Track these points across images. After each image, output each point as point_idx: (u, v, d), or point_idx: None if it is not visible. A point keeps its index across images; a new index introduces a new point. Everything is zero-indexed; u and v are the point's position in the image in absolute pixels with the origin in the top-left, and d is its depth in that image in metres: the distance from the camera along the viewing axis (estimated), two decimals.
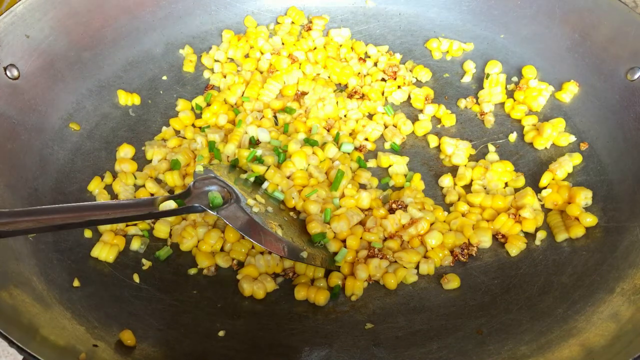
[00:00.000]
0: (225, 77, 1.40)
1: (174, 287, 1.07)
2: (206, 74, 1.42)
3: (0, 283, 0.95)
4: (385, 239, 1.12)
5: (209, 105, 1.34)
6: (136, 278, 1.08)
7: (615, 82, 1.23)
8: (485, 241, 1.11)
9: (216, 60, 1.43)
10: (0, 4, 1.54)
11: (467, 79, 1.40)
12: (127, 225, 1.14)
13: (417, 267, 1.09)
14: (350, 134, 1.30)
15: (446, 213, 1.17)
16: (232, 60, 1.43)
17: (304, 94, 1.36)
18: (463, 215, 1.16)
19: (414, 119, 1.33)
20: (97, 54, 1.34)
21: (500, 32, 1.44)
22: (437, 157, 1.28)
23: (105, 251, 1.09)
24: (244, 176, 1.15)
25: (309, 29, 1.46)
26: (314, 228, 1.08)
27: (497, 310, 1.04)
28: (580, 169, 1.21)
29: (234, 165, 1.19)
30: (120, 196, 1.18)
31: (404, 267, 1.08)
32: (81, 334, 0.96)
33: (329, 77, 1.40)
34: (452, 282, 1.07)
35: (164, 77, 1.40)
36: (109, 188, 1.20)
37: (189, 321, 1.03)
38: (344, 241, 1.11)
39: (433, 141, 1.29)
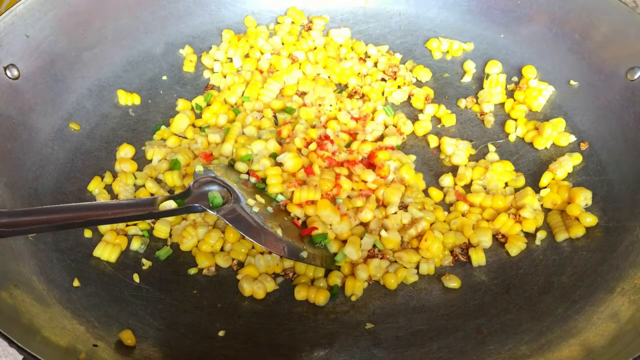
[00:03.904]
0: (225, 77, 1.40)
1: (174, 287, 1.07)
2: (206, 74, 1.42)
3: (0, 283, 0.95)
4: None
5: (209, 105, 1.34)
6: (136, 278, 1.08)
7: (615, 81, 1.23)
8: (485, 241, 1.11)
9: (216, 60, 1.43)
10: (0, 4, 1.54)
11: (467, 79, 1.40)
12: (127, 225, 1.14)
13: (417, 267, 1.09)
14: (350, 133, 1.30)
15: (446, 213, 1.17)
16: (232, 60, 1.43)
17: (304, 94, 1.36)
18: (463, 215, 1.16)
19: (414, 119, 1.33)
20: (97, 54, 1.34)
21: (500, 32, 1.44)
22: (437, 157, 1.28)
23: (107, 251, 1.09)
24: (244, 176, 1.15)
25: (309, 29, 1.46)
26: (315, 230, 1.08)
27: (497, 310, 1.04)
28: (580, 169, 1.21)
29: (234, 165, 1.19)
30: (120, 196, 1.18)
31: (404, 267, 1.08)
32: (81, 334, 0.96)
33: (329, 77, 1.40)
34: (452, 282, 1.07)
35: (164, 77, 1.40)
36: (109, 188, 1.20)
37: (189, 321, 1.03)
38: (344, 242, 1.11)
39: (433, 141, 1.29)
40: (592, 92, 1.28)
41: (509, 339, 0.99)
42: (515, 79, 1.39)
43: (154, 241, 1.14)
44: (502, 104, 1.35)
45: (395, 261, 1.09)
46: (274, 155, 1.18)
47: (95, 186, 1.19)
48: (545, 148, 1.26)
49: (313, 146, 1.19)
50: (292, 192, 1.11)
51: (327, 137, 1.22)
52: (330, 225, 1.10)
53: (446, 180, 1.21)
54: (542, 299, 1.04)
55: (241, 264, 1.10)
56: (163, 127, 1.30)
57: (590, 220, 1.11)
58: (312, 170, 1.15)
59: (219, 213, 1.03)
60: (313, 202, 1.10)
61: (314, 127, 1.25)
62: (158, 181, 1.22)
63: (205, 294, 1.07)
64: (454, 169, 1.25)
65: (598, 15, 1.27)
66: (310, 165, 1.16)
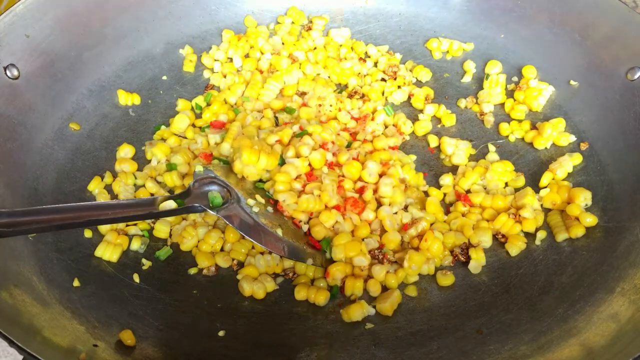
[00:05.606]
0: (225, 77, 1.40)
1: (174, 287, 1.07)
2: (206, 74, 1.42)
3: (0, 283, 0.95)
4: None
5: (209, 105, 1.34)
6: (136, 278, 1.08)
7: (615, 82, 1.23)
8: (485, 241, 1.11)
9: (216, 60, 1.43)
10: (0, 3, 1.54)
11: (467, 78, 1.40)
12: (127, 225, 1.14)
13: None
14: (350, 133, 1.30)
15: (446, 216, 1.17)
16: (232, 60, 1.43)
17: (304, 94, 1.36)
18: (463, 215, 1.16)
19: (414, 119, 1.33)
20: (97, 54, 1.34)
21: (500, 32, 1.44)
22: (437, 157, 1.28)
23: (109, 251, 1.09)
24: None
25: (309, 29, 1.46)
26: (319, 233, 1.08)
27: (497, 310, 1.04)
28: (580, 169, 1.21)
29: None
30: (120, 196, 1.18)
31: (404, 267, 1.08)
32: (81, 334, 0.96)
33: (329, 77, 1.40)
34: (447, 279, 1.07)
35: (164, 77, 1.40)
36: (109, 188, 1.20)
37: (189, 321, 1.03)
38: None
39: (433, 141, 1.29)
40: (592, 92, 1.28)
41: (509, 339, 0.99)
42: (515, 79, 1.39)
43: (154, 241, 1.14)
44: (502, 104, 1.35)
45: (396, 261, 1.09)
46: (280, 161, 1.17)
47: (95, 186, 1.19)
48: (545, 148, 1.26)
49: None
50: (297, 199, 1.10)
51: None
52: (332, 226, 1.10)
53: (446, 180, 1.21)
54: (542, 299, 1.04)
55: (241, 264, 1.10)
56: (163, 127, 1.30)
57: (590, 220, 1.11)
58: (315, 175, 1.14)
59: (219, 213, 1.03)
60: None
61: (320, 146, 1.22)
62: (158, 181, 1.22)
63: (205, 294, 1.07)
64: (454, 169, 1.25)
65: (598, 15, 1.27)
66: (311, 170, 1.15)
